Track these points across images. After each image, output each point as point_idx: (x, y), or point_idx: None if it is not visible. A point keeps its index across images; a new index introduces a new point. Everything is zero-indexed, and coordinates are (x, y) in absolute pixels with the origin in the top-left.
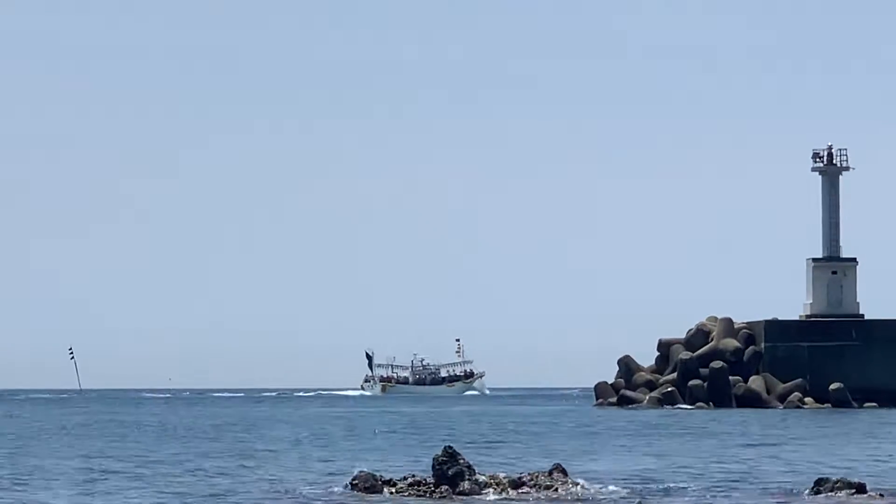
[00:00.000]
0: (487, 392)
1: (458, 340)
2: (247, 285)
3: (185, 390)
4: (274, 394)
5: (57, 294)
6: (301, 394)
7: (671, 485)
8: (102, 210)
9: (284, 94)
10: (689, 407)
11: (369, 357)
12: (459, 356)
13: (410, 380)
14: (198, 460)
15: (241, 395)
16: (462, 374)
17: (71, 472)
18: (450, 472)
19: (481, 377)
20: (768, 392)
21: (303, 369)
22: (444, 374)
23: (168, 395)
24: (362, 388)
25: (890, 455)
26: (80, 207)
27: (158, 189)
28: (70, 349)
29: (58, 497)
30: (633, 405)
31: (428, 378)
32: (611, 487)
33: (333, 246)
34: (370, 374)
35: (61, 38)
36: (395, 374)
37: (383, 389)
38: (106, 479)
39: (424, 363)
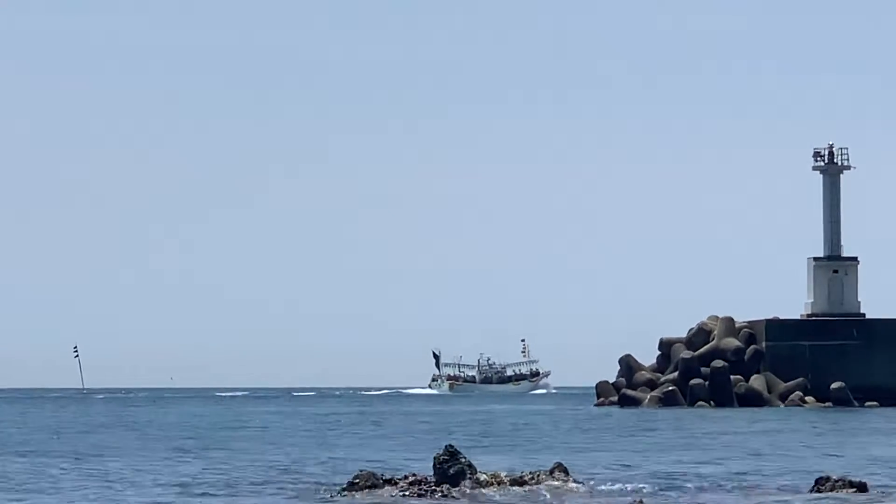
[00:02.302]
0: (553, 391)
1: (523, 341)
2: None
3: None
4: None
5: (60, 292)
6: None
7: (672, 483)
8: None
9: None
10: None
11: (436, 356)
12: (525, 356)
13: (477, 378)
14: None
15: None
16: (528, 373)
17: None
18: (451, 471)
19: (546, 376)
20: (769, 391)
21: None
22: (509, 373)
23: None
24: (430, 387)
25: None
26: (87, 205)
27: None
28: (75, 347)
29: None
30: (635, 405)
31: (494, 377)
32: (611, 486)
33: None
34: (437, 372)
35: (60, 38)
36: (462, 373)
37: (451, 388)
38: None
39: (490, 362)
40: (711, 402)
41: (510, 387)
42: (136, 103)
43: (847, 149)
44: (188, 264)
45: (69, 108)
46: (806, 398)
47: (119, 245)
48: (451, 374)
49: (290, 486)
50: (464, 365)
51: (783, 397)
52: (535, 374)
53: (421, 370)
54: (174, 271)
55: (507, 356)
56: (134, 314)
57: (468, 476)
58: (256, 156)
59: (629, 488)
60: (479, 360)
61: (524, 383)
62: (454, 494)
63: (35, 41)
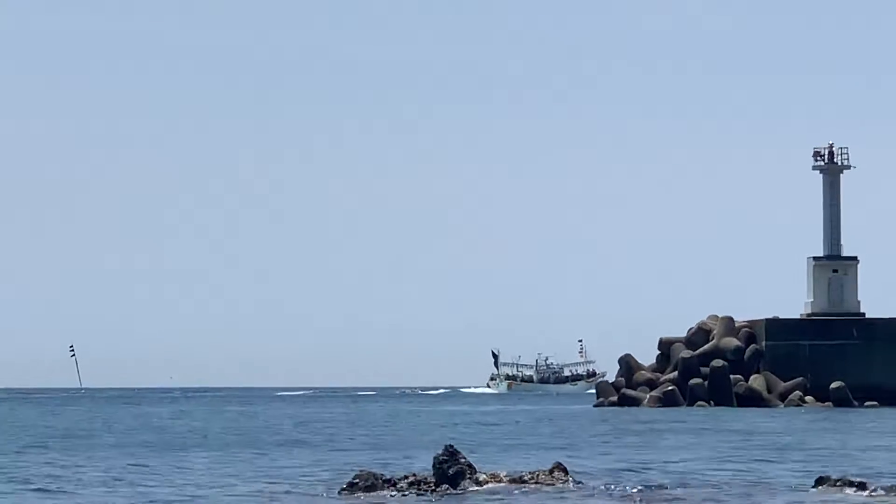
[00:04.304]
0: None
1: (580, 341)
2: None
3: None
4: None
5: (59, 291)
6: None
7: (671, 482)
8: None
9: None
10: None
11: (495, 356)
12: (582, 356)
13: (535, 378)
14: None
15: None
16: (584, 373)
17: None
18: (450, 471)
19: (603, 376)
20: (769, 391)
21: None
22: (567, 373)
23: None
24: (488, 386)
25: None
26: (87, 205)
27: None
28: (71, 347)
29: None
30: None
31: (552, 377)
32: (610, 486)
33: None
34: (496, 372)
35: (63, 38)
36: (520, 373)
37: (509, 387)
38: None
39: (548, 362)
40: (711, 402)
41: (567, 387)
42: (136, 102)
43: (847, 148)
44: (202, 264)
45: (68, 107)
46: (805, 398)
47: (119, 244)
48: (510, 374)
49: (292, 484)
50: (522, 365)
51: (783, 397)
52: (592, 374)
53: (479, 370)
54: (187, 271)
55: (564, 356)
56: (135, 313)
57: (468, 476)
58: (262, 155)
59: (628, 488)
60: (536, 360)
61: (581, 383)
62: (454, 495)
63: (35, 41)
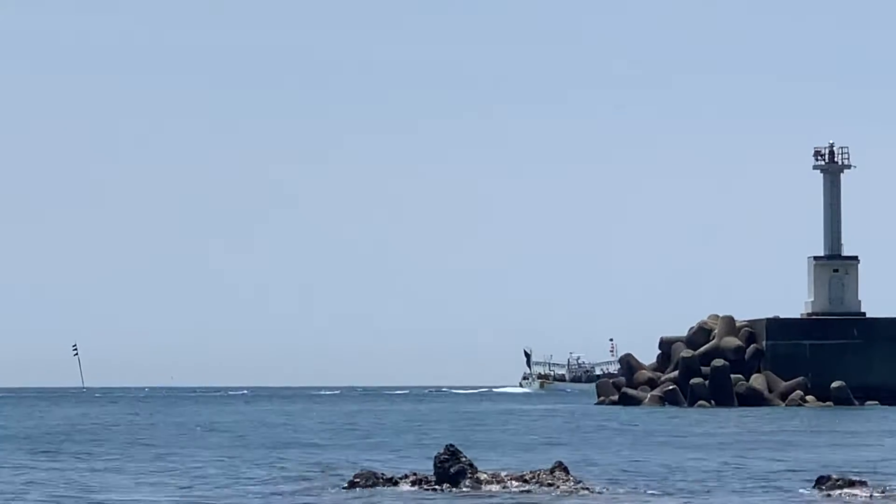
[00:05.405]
0: None
1: (611, 340)
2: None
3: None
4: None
5: (60, 290)
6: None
7: (671, 482)
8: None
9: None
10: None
11: (527, 355)
12: (613, 355)
13: (567, 377)
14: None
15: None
16: (616, 371)
17: None
18: (451, 470)
19: None
20: (770, 390)
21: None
22: (598, 371)
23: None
24: (521, 385)
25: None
26: (88, 204)
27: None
28: (74, 346)
29: None
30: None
31: (583, 376)
32: (611, 486)
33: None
34: (528, 371)
35: (64, 38)
36: (552, 372)
37: (541, 386)
38: None
39: (580, 361)
40: (712, 402)
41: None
42: (139, 103)
43: (847, 148)
44: (208, 264)
45: (71, 107)
46: (806, 397)
47: (119, 243)
48: (542, 373)
49: (292, 483)
50: (554, 364)
51: (783, 396)
52: None
53: (512, 369)
54: (192, 270)
55: (595, 355)
56: (137, 313)
57: (469, 475)
58: (273, 155)
59: (628, 487)
60: (568, 359)
61: None
62: (455, 493)
63: (44, 41)
